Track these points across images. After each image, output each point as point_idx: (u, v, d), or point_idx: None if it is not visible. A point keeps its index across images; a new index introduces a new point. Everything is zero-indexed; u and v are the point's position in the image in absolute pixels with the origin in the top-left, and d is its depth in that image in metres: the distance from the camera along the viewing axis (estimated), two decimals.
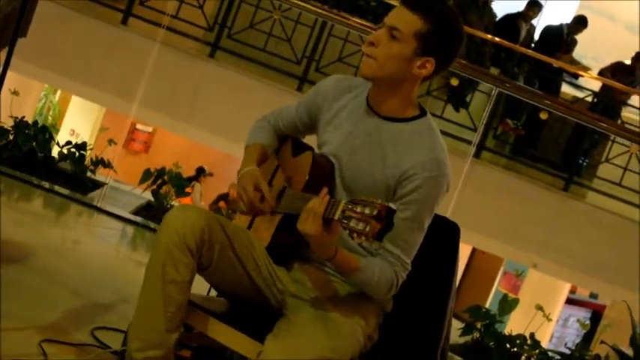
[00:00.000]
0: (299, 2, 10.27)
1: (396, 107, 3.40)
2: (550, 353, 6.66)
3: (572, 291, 16.41)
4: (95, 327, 4.52)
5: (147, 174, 7.16)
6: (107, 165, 7.23)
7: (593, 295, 16.99)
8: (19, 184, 6.50)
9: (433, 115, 3.54)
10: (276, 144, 3.65)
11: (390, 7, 5.24)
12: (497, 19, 14.36)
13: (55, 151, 7.07)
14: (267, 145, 3.62)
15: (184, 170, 7.34)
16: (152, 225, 6.65)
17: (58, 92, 15.49)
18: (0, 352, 3.92)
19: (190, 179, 7.18)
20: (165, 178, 7.07)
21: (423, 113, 3.43)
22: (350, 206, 2.90)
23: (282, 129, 3.65)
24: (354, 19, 9.19)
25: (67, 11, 9.91)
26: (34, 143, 6.88)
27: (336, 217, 2.95)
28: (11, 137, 6.83)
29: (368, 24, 9.25)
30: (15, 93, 7.46)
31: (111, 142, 8.35)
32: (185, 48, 10.77)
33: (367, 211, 2.85)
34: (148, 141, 16.95)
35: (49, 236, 5.97)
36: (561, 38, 14.93)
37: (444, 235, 3.68)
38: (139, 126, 16.47)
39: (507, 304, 7.81)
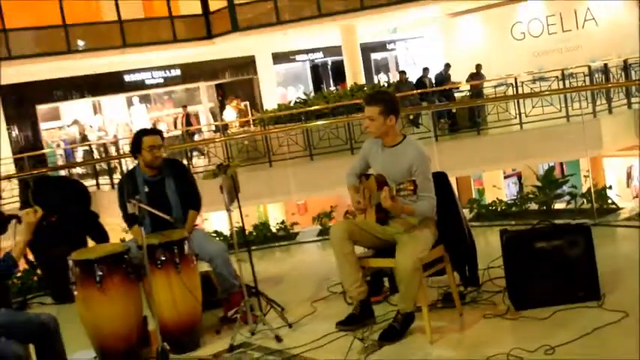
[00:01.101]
0: (333, 121, 10.61)
1: (392, 140, 3.45)
2: (509, 201, 6.48)
3: (504, 172, 16.01)
4: (329, 285, 4.54)
5: (314, 219, 7.17)
6: (296, 224, 7.26)
7: (514, 169, 16.56)
8: (266, 250, 6.56)
9: (410, 133, 3.57)
10: (358, 180, 3.66)
11: None
12: (414, 82, 14.37)
13: (273, 229, 7.11)
14: (355, 182, 3.65)
15: (327, 210, 7.30)
16: (327, 237, 6.57)
17: (261, 205, 15.69)
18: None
19: (330, 211, 7.16)
20: (322, 217, 7.07)
21: (404, 137, 3.47)
22: (397, 187, 3.07)
23: (358, 172, 3.67)
24: (358, 115, 9.23)
25: (246, 172, 10.08)
26: (263, 231, 6.96)
27: (394, 194, 3.10)
28: (254, 233, 6.90)
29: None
30: (247, 215, 7.55)
31: (293, 213, 8.58)
32: (300, 162, 11.08)
33: (405, 185, 3.03)
34: (305, 206, 16.88)
35: (288, 264, 6.03)
36: (444, 76, 14.84)
37: (442, 179, 3.69)
38: (308, 201, 16.12)
39: (480, 192, 7.71)
